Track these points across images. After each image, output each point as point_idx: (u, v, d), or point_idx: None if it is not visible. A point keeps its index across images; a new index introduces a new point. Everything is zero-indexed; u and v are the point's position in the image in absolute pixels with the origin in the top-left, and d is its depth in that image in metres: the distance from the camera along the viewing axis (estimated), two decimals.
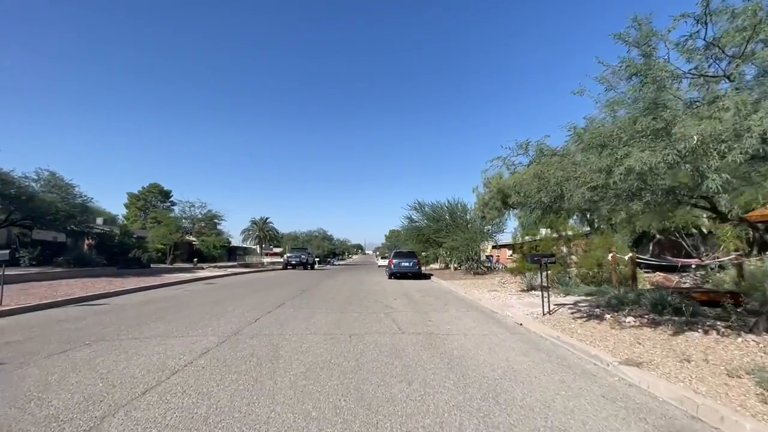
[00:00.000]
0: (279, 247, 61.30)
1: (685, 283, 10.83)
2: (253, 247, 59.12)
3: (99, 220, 37.54)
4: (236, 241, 61.10)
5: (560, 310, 7.88)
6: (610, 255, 9.10)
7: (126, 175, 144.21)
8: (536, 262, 7.40)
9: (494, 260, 26.77)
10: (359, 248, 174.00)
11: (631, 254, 8.60)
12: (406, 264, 18.72)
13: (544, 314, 7.37)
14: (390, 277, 18.84)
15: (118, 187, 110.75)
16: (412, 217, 24.94)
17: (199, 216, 27.44)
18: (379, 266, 42.99)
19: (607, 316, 6.70)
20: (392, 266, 18.76)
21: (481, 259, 22.30)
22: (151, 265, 19.76)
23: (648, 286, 9.69)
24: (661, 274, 11.21)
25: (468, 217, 21.91)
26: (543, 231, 32.95)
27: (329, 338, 5.74)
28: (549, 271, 11.35)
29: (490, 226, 21.23)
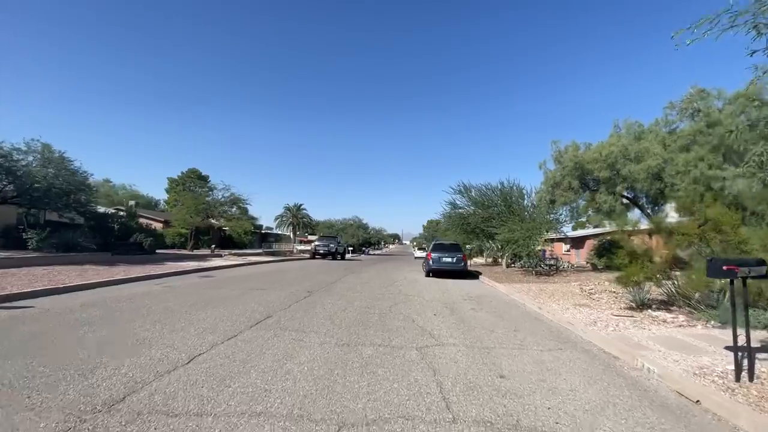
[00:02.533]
0: (314, 234, 59.64)
1: None
2: (287, 234, 57.85)
3: (132, 203, 37.28)
4: (274, 228, 60.35)
5: (758, 364, 4.15)
6: None
7: (171, 162, 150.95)
8: (726, 274, 3.71)
9: (547, 255, 22.46)
10: (396, 238, 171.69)
11: None
12: (449, 259, 15.14)
13: (737, 377, 3.71)
14: (428, 275, 15.41)
15: (164, 174, 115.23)
16: (456, 202, 21.02)
17: (221, 199, 25.38)
18: (416, 258, 39.73)
19: None
20: (431, 261, 15.25)
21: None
22: (157, 251, 17.80)
23: None
24: None
25: (525, 202, 17.80)
26: (607, 223, 27.72)
27: None
28: (674, 282, 7.49)
29: (554, 214, 17.05)
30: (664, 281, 7.28)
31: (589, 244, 29.88)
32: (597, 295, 9.01)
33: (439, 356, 4.54)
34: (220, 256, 21.69)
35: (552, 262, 16.84)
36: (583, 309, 7.51)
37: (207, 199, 25.88)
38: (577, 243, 31.15)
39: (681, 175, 12.27)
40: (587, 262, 22.70)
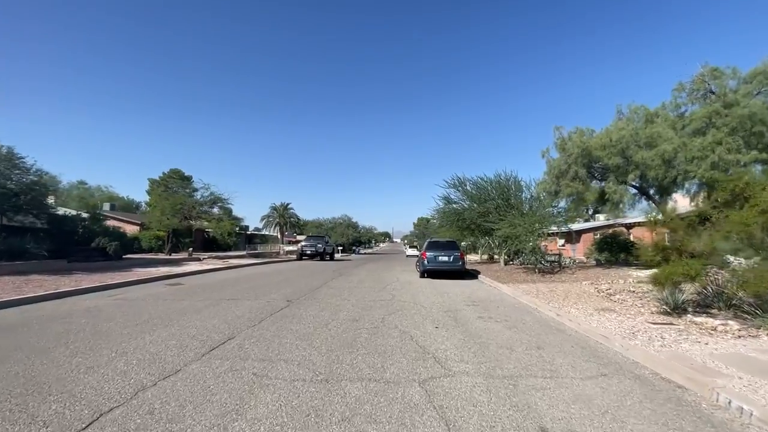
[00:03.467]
0: (303, 234, 58.21)
1: None
2: (274, 234, 56.23)
3: (107, 206, 35.28)
4: (262, 228, 58.60)
5: None
6: None
7: (157, 164, 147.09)
8: None
9: (545, 251, 21.48)
10: (387, 236, 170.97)
11: None
12: (445, 258, 13.97)
13: None
14: (422, 276, 14.24)
15: (149, 175, 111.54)
16: (450, 196, 19.88)
17: (201, 199, 23.78)
18: (408, 256, 38.70)
19: None
20: (426, 261, 14.05)
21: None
22: (127, 256, 16.24)
23: None
24: None
25: (523, 195, 16.74)
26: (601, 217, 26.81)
27: None
28: (708, 279, 6.44)
29: (554, 207, 16.00)
30: (703, 279, 6.21)
31: (587, 238, 29.14)
32: (618, 296, 7.93)
33: (451, 395, 3.35)
34: (199, 259, 20.18)
35: (554, 258, 15.86)
36: (610, 315, 6.41)
37: (187, 199, 24.32)
38: (572, 237, 30.39)
39: (697, 161, 11.32)
40: (587, 257, 21.84)
